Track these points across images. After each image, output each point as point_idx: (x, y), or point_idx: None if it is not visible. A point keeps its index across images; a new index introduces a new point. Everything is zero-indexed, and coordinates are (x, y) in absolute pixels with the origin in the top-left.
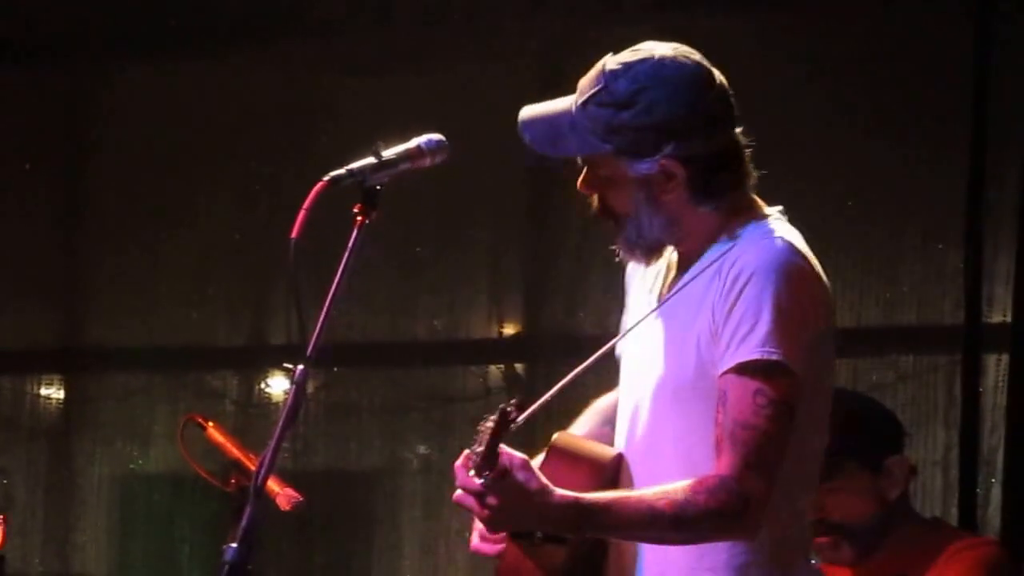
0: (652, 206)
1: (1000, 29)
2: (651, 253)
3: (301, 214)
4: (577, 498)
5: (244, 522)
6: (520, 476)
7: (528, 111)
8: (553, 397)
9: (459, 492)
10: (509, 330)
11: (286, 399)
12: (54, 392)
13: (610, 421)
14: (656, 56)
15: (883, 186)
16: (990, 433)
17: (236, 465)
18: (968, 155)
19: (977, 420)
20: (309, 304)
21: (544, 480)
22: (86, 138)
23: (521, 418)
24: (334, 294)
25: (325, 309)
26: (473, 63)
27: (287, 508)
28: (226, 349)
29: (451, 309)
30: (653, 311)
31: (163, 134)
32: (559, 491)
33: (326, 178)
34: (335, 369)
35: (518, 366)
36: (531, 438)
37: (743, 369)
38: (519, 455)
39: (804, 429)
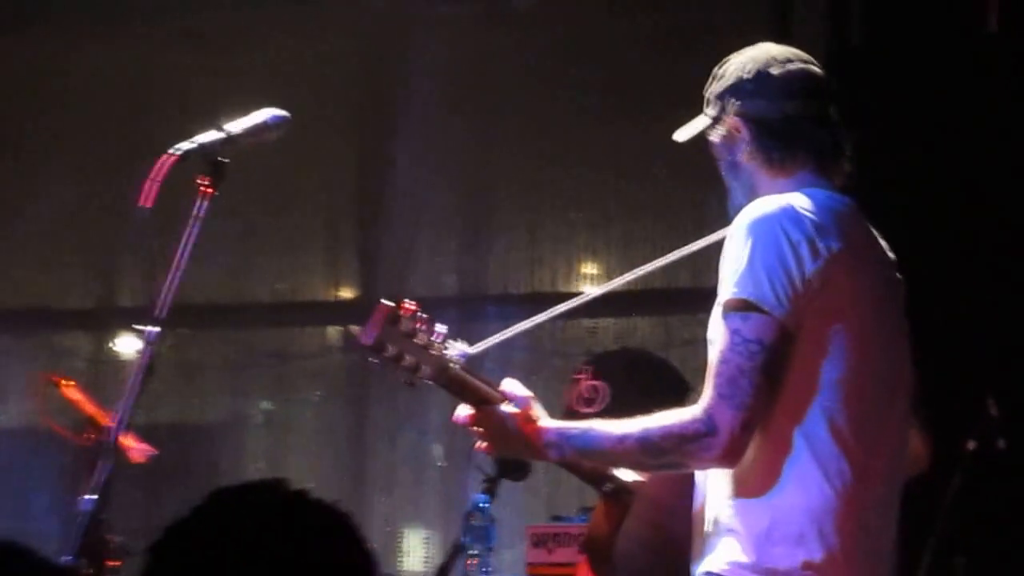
0: (733, 170)
1: None
2: None
3: (150, 185)
4: (559, 426)
5: (99, 475)
6: (504, 410)
7: None
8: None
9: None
10: (346, 293)
11: (138, 358)
12: None
13: None
14: (755, 45)
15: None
16: None
17: (91, 421)
18: None
19: None
20: (157, 269)
21: (533, 413)
22: None
23: (474, 351)
24: (180, 259)
25: (172, 273)
26: (305, 40)
27: (140, 461)
28: (77, 311)
29: (292, 273)
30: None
31: (11, 109)
32: (545, 422)
33: (174, 151)
34: (179, 330)
35: (354, 327)
36: None
37: (724, 310)
38: (521, 392)
39: (813, 358)
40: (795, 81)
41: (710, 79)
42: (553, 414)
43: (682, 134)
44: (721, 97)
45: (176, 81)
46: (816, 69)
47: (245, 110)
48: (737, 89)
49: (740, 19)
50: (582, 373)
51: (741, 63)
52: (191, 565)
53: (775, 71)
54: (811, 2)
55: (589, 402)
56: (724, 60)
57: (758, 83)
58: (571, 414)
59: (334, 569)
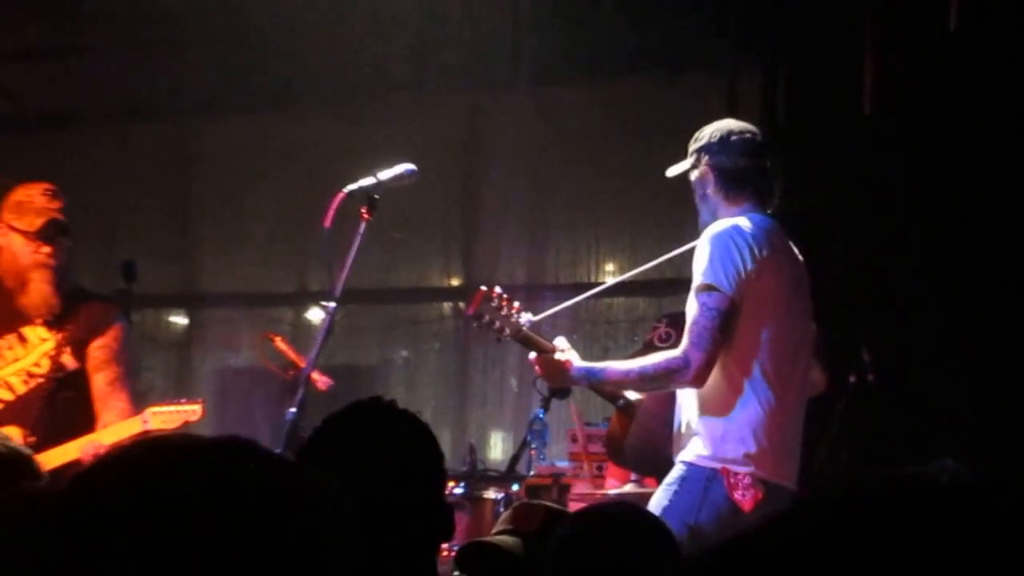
0: (704, 201)
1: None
2: None
3: (330, 212)
4: (588, 365)
5: (298, 397)
6: (555, 356)
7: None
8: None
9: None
10: (454, 281)
11: (322, 324)
12: (180, 319)
13: None
14: (723, 119)
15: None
16: None
17: (292, 363)
18: None
19: None
20: (334, 266)
21: (569, 357)
22: (196, 168)
23: (537, 318)
24: (352, 260)
25: (346, 269)
26: (421, 117)
27: (323, 390)
28: (283, 294)
29: (419, 267)
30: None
31: (236, 166)
32: (578, 363)
33: (344, 191)
34: (348, 305)
35: (460, 304)
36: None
37: (696, 291)
38: (562, 344)
39: (751, 325)
40: (745, 144)
41: (693, 139)
42: (588, 357)
43: (672, 171)
44: (698, 151)
45: (342, 144)
46: (760, 137)
47: (389, 164)
48: (708, 148)
49: (702, 108)
50: (659, 323)
51: (712, 131)
52: (328, 452)
53: (733, 138)
54: (749, 96)
55: (665, 340)
56: (702, 129)
57: (722, 145)
58: (652, 347)
59: (415, 450)
